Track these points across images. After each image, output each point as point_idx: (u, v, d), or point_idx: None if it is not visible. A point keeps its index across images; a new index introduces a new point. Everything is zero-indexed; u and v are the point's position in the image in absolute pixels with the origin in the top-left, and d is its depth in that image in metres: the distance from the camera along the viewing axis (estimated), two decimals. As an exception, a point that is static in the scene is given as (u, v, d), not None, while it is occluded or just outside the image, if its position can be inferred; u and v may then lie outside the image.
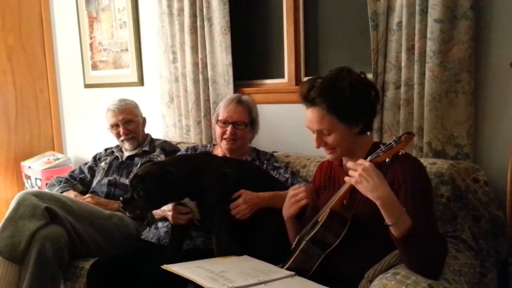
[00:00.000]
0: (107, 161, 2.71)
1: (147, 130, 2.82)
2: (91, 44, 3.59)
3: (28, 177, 3.65)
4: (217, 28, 2.67)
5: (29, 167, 3.61)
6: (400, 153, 1.45)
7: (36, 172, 3.54)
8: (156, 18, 2.98)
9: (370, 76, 2.13)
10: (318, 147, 1.62)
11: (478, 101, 1.97)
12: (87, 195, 2.53)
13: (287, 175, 2.18)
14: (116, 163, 2.67)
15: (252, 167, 2.18)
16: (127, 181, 2.46)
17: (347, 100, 1.52)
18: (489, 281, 1.78)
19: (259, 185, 1.96)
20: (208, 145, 2.47)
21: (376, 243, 1.54)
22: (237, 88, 2.70)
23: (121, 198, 1.86)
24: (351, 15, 2.44)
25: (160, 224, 2.21)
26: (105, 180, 2.62)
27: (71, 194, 2.56)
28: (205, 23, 2.70)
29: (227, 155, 2.22)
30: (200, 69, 2.77)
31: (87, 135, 3.79)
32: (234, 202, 1.89)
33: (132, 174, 1.91)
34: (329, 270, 1.57)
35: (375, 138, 2.15)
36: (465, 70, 1.92)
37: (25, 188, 3.70)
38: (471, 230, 1.79)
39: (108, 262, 2.03)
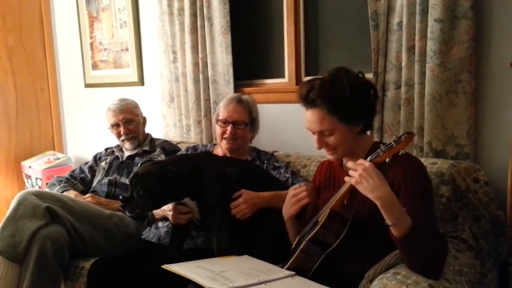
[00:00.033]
0: (108, 160, 2.72)
1: (147, 129, 2.82)
2: (91, 44, 3.59)
3: (29, 177, 3.66)
4: (217, 28, 2.67)
5: (30, 166, 3.62)
6: (400, 153, 1.45)
7: (37, 171, 3.55)
8: (156, 18, 2.98)
9: (370, 76, 2.14)
10: (320, 148, 1.61)
11: (478, 101, 1.97)
12: (88, 195, 2.54)
13: (287, 175, 2.18)
14: (116, 163, 2.67)
15: (252, 166, 2.18)
16: (127, 181, 2.46)
17: (347, 99, 1.53)
18: (490, 281, 1.78)
19: (259, 184, 1.96)
20: (209, 145, 2.47)
21: (376, 243, 1.54)
22: (237, 88, 2.70)
23: (120, 197, 1.86)
24: (351, 15, 2.44)
25: (160, 223, 2.21)
26: (106, 180, 2.62)
27: (71, 194, 2.56)
28: (206, 22, 2.70)
29: (227, 154, 2.22)
30: (201, 68, 2.78)
31: (88, 134, 3.79)
32: (235, 201, 1.89)
33: (132, 174, 1.91)
34: (330, 270, 1.57)
35: (376, 138, 2.15)
36: (465, 70, 1.92)
37: (26, 187, 3.70)
38: (471, 230, 1.79)
39: (108, 261, 2.03)
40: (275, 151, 2.42)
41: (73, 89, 3.83)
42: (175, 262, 1.60)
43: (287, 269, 1.60)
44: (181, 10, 2.81)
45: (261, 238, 1.89)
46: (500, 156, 1.94)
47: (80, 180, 2.77)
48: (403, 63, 2.05)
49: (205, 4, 2.68)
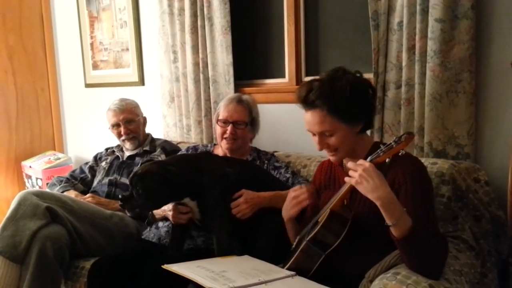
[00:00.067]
0: (108, 160, 2.72)
1: (147, 130, 2.82)
2: (91, 44, 3.59)
3: (29, 177, 3.66)
4: (217, 28, 2.67)
5: (30, 166, 3.62)
6: (400, 153, 1.45)
7: (37, 171, 3.55)
8: (156, 18, 2.98)
9: (370, 76, 2.14)
10: (321, 149, 1.61)
11: (479, 101, 1.97)
12: (88, 195, 2.54)
13: (287, 175, 2.18)
14: (117, 163, 2.67)
15: (252, 166, 2.18)
16: (128, 181, 2.46)
17: (347, 99, 1.53)
18: (490, 281, 1.78)
19: (259, 184, 1.96)
20: (209, 145, 2.47)
21: (376, 243, 1.54)
22: (237, 87, 2.70)
23: (120, 196, 1.86)
24: (351, 15, 2.44)
25: (160, 223, 2.21)
26: (106, 180, 2.62)
27: (72, 194, 2.56)
28: (206, 22, 2.70)
29: (228, 154, 2.22)
30: (201, 68, 2.78)
31: (88, 134, 3.79)
32: (235, 201, 1.89)
33: (132, 173, 1.91)
34: (330, 270, 1.57)
35: (376, 138, 2.15)
36: (466, 70, 1.92)
37: (26, 187, 3.71)
38: (471, 230, 1.79)
39: (108, 261, 2.03)
40: (276, 151, 2.42)
41: (74, 89, 3.83)
42: (176, 262, 1.60)
43: (287, 269, 1.60)
44: (181, 10, 2.81)
45: (262, 238, 1.89)
46: (501, 156, 1.94)
47: (80, 180, 2.77)
48: (404, 63, 2.05)
49: (205, 4, 2.68)
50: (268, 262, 1.67)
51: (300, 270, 1.56)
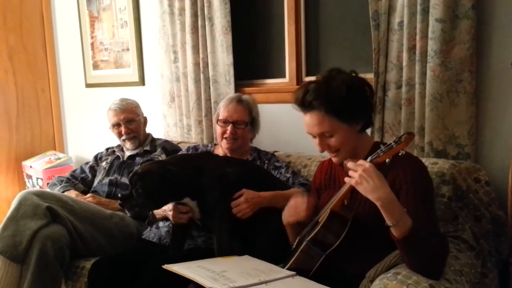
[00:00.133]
0: (108, 160, 2.72)
1: (148, 129, 2.82)
2: (92, 44, 3.60)
3: (30, 177, 3.66)
4: (218, 28, 2.67)
5: (31, 166, 3.62)
6: (400, 154, 1.45)
7: (37, 171, 3.55)
8: (157, 18, 2.98)
9: (371, 76, 2.14)
10: (322, 151, 1.61)
11: (479, 101, 1.97)
12: (88, 195, 2.54)
13: (288, 175, 2.18)
14: (117, 163, 2.67)
15: (253, 166, 2.18)
16: (128, 181, 2.46)
17: (344, 98, 1.52)
18: (490, 281, 1.78)
19: (260, 184, 1.96)
20: (209, 145, 2.47)
21: (377, 243, 1.54)
22: (238, 87, 2.70)
23: (119, 195, 1.86)
24: (352, 15, 2.44)
25: (161, 223, 2.21)
26: (106, 180, 2.62)
27: (72, 194, 2.56)
28: (206, 22, 2.70)
29: (228, 154, 2.23)
30: (201, 68, 2.78)
31: (88, 134, 3.79)
32: (236, 201, 1.88)
33: (132, 172, 1.91)
34: (330, 270, 1.57)
35: (376, 138, 2.15)
36: (466, 70, 1.92)
37: (27, 187, 3.71)
38: (472, 230, 1.79)
39: (109, 261, 2.03)
40: (276, 151, 2.42)
41: (74, 89, 3.83)
42: (176, 262, 1.60)
43: (287, 269, 1.60)
44: (182, 10, 2.81)
45: (262, 238, 1.89)
46: (501, 156, 1.93)
47: (81, 180, 2.77)
48: (404, 63, 2.05)
49: (206, 4, 2.68)
50: (268, 262, 1.67)
51: (301, 270, 1.56)
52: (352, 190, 1.50)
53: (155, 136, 2.82)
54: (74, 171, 2.86)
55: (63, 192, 2.58)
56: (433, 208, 1.57)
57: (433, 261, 1.43)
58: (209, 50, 2.73)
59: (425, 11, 1.94)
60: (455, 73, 1.94)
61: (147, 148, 2.67)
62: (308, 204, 1.67)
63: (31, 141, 3.85)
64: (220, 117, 2.24)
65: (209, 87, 2.78)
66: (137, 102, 2.76)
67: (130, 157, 2.67)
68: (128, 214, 2.03)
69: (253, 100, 2.32)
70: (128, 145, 2.68)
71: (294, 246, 1.71)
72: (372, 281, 1.47)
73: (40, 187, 3.50)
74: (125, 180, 2.54)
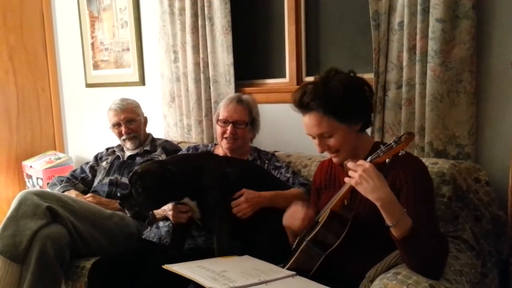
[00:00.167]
0: (109, 160, 2.72)
1: (148, 129, 2.82)
2: (92, 44, 3.60)
3: (30, 177, 3.66)
4: (218, 28, 2.67)
5: (31, 166, 3.62)
6: (400, 154, 1.45)
7: (38, 171, 3.55)
8: (157, 18, 2.98)
9: (371, 75, 2.14)
10: (322, 152, 1.61)
11: (479, 101, 1.97)
12: (88, 195, 2.54)
13: (288, 175, 2.17)
14: (117, 163, 2.67)
15: (253, 166, 2.18)
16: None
17: (341, 98, 1.52)
18: (490, 281, 1.78)
19: (260, 184, 1.96)
20: (209, 145, 2.47)
21: (377, 243, 1.54)
22: (238, 87, 2.70)
23: (118, 194, 1.85)
24: (352, 15, 2.44)
25: (161, 223, 2.21)
26: (107, 180, 2.62)
27: (72, 194, 2.56)
28: (207, 22, 2.70)
29: (228, 154, 2.22)
30: (202, 68, 2.78)
31: (89, 134, 3.79)
32: (236, 200, 1.88)
33: (132, 172, 1.91)
34: (330, 270, 1.57)
35: (377, 138, 2.15)
36: (466, 70, 1.92)
37: (27, 187, 3.71)
38: (472, 230, 1.79)
39: (109, 261, 2.03)
40: (276, 151, 2.42)
41: (74, 88, 3.84)
42: (176, 262, 1.60)
43: (288, 269, 1.60)
44: (182, 10, 2.81)
45: (262, 238, 1.89)
46: (501, 156, 1.93)
47: (81, 180, 2.77)
48: (404, 63, 2.05)
49: (206, 4, 2.68)
50: (268, 262, 1.67)
51: (301, 270, 1.56)
52: (352, 190, 1.50)
53: (155, 136, 2.82)
54: (74, 171, 2.86)
55: (63, 192, 2.58)
56: (433, 208, 1.57)
57: (433, 261, 1.43)
58: (209, 50, 2.73)
59: (426, 11, 1.94)
60: (455, 73, 1.94)
61: (147, 148, 2.67)
62: (305, 215, 1.65)
63: (31, 141, 3.85)
64: (220, 117, 2.24)
65: (209, 87, 2.78)
66: (137, 102, 2.76)
67: (130, 157, 2.67)
68: (128, 214, 2.03)
69: (253, 100, 2.32)
70: (128, 145, 2.68)
71: (294, 246, 1.71)
72: (372, 281, 1.47)
73: (40, 187, 3.50)
74: (125, 180, 2.54)
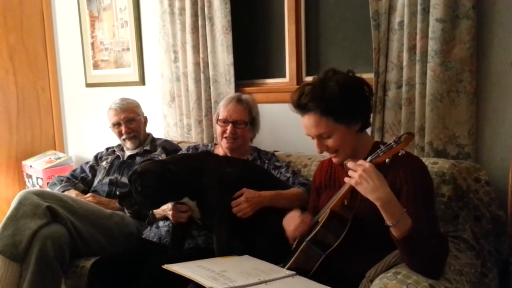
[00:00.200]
0: (109, 160, 2.72)
1: (148, 129, 2.82)
2: (92, 44, 3.60)
3: (30, 176, 3.66)
4: (218, 28, 2.67)
5: (31, 166, 3.62)
6: (400, 154, 1.45)
7: (38, 171, 3.55)
8: (157, 18, 2.98)
9: (371, 75, 2.14)
10: (321, 152, 1.61)
11: (479, 100, 1.97)
12: (88, 194, 2.54)
13: (288, 175, 2.17)
14: (117, 162, 2.67)
15: (253, 166, 2.18)
16: (128, 180, 2.47)
17: (339, 99, 1.52)
18: (490, 280, 1.78)
19: (260, 184, 1.96)
20: (209, 145, 2.47)
21: (377, 243, 1.54)
22: (238, 87, 2.70)
23: (118, 193, 1.85)
24: (352, 15, 2.44)
25: (161, 223, 2.21)
26: (107, 179, 2.62)
27: (72, 193, 2.56)
28: (207, 22, 2.70)
29: (228, 154, 2.23)
30: (202, 68, 2.78)
31: (89, 134, 3.79)
32: (236, 200, 1.88)
33: (132, 171, 1.91)
34: (330, 270, 1.57)
35: (377, 138, 2.15)
36: (466, 70, 1.92)
37: (27, 187, 3.71)
38: (472, 230, 1.79)
39: (109, 261, 2.03)
40: (276, 151, 2.42)
41: (74, 88, 3.83)
42: (176, 262, 1.60)
43: (287, 269, 1.60)
44: (182, 9, 2.81)
45: (262, 238, 1.89)
46: (501, 155, 1.94)
47: (81, 179, 2.77)
48: (404, 63, 2.05)
49: (206, 4, 2.68)
50: (268, 262, 1.67)
51: (301, 270, 1.56)
52: (352, 190, 1.51)
53: (155, 135, 2.82)
54: (74, 170, 2.86)
55: (63, 191, 2.58)
56: (433, 208, 1.57)
57: (433, 261, 1.43)
58: (209, 50, 2.73)
59: (426, 11, 1.94)
60: (455, 73, 1.94)
61: (147, 147, 2.67)
62: (301, 223, 1.66)
63: (31, 141, 3.85)
64: (220, 117, 2.24)
65: (209, 87, 2.78)
66: (137, 102, 2.77)
67: (130, 156, 2.67)
68: (127, 213, 2.03)
69: (253, 99, 2.32)
70: (128, 144, 2.68)
71: (294, 246, 1.71)
72: (372, 281, 1.47)
73: (40, 186, 3.50)
74: (125, 179, 2.54)
